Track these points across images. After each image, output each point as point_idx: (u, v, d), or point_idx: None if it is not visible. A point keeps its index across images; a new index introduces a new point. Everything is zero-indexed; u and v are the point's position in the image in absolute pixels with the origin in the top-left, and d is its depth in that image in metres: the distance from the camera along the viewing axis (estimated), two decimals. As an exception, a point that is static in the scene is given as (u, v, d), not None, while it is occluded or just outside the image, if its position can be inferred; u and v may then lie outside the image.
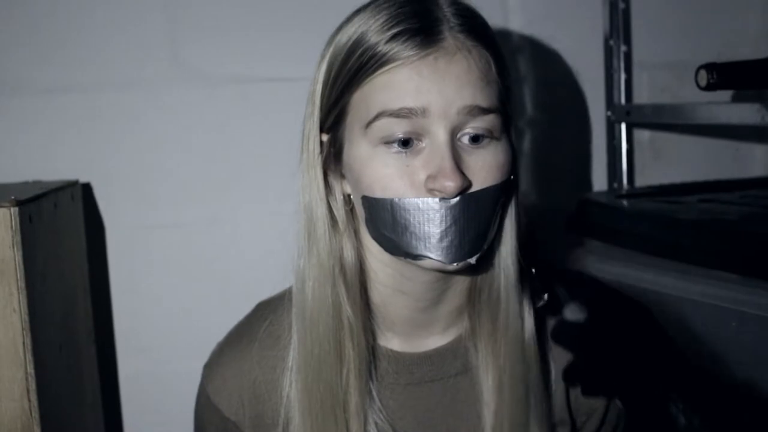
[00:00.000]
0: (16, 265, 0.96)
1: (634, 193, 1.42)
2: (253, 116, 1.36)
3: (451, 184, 0.74)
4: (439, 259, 0.77)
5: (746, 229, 1.08)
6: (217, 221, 1.36)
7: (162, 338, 1.36)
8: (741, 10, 1.56)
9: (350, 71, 0.79)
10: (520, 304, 0.85)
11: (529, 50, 1.45)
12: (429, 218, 0.76)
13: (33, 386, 0.97)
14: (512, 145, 0.82)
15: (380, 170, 0.78)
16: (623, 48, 1.47)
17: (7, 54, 1.28)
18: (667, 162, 1.55)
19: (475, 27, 0.79)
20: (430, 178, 0.76)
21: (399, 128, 0.76)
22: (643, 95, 1.52)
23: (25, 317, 0.96)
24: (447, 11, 0.79)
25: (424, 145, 0.77)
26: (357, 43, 0.78)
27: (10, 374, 0.97)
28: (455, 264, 0.78)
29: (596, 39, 1.49)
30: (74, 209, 1.25)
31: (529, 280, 0.86)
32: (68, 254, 1.20)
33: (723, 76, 1.11)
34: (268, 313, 0.92)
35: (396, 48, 0.76)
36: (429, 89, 0.75)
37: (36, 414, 0.98)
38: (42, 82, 1.30)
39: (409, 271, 0.84)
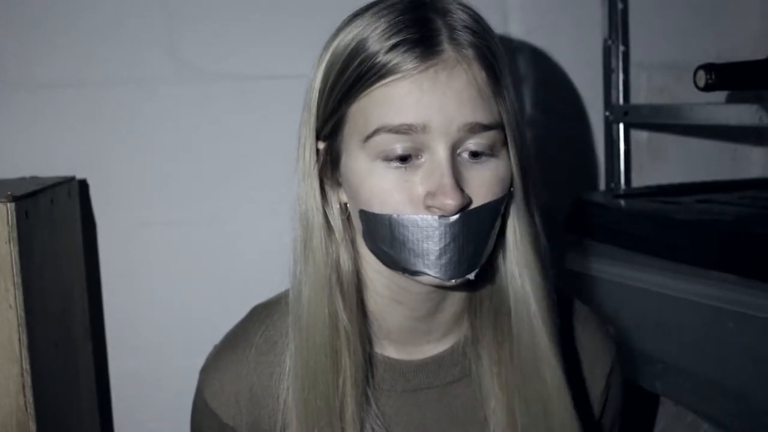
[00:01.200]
0: (12, 260, 0.96)
1: (632, 194, 1.42)
2: (250, 114, 1.35)
3: (451, 202, 0.73)
4: (438, 276, 0.76)
5: (743, 230, 1.08)
6: (215, 218, 1.36)
7: (157, 336, 1.36)
8: (739, 11, 1.56)
9: (348, 81, 0.77)
10: (531, 313, 0.84)
11: (528, 50, 1.45)
12: (428, 235, 0.75)
13: (29, 383, 0.97)
14: (525, 155, 0.80)
15: (379, 185, 0.76)
16: (621, 48, 1.47)
17: (4, 50, 1.28)
18: (664, 162, 1.55)
19: (475, 37, 0.77)
20: (430, 194, 0.75)
21: (398, 144, 0.75)
22: (641, 95, 1.52)
23: (21, 313, 0.96)
24: (448, 19, 0.77)
25: (423, 160, 0.76)
26: (355, 50, 0.76)
27: (6, 370, 0.97)
28: (454, 281, 0.77)
29: (594, 39, 1.49)
30: (71, 205, 1.25)
31: (542, 290, 0.85)
32: (65, 251, 1.20)
33: (721, 76, 1.10)
34: (265, 317, 0.91)
35: (396, 59, 0.74)
36: (429, 105, 0.74)
37: (32, 410, 0.98)
38: (39, 79, 1.30)
39: (406, 282, 0.83)
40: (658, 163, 1.55)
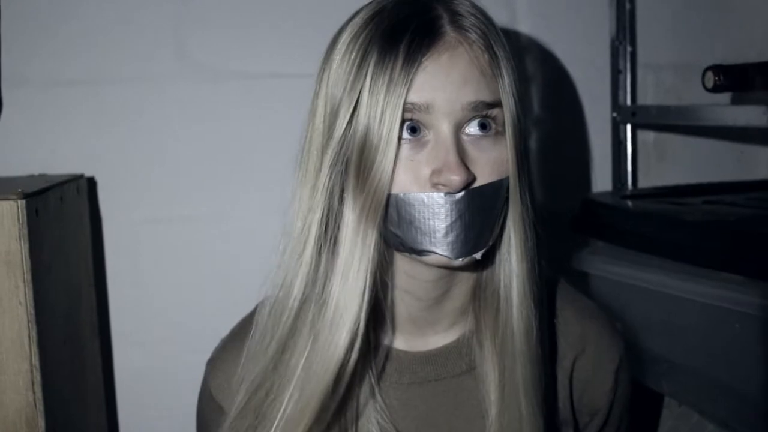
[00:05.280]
0: (22, 257, 0.96)
1: (639, 194, 1.42)
2: (257, 112, 1.36)
3: (456, 178, 0.74)
4: (445, 254, 0.77)
5: (751, 231, 1.08)
6: (222, 216, 1.37)
7: (163, 333, 1.36)
8: (747, 12, 1.56)
9: (352, 74, 0.78)
10: (525, 302, 0.84)
11: (535, 50, 1.45)
12: (434, 213, 0.76)
13: (38, 379, 0.98)
14: (522, 140, 0.81)
15: None
16: (629, 49, 1.47)
17: (13, 48, 1.29)
18: (671, 163, 1.55)
19: (476, 21, 0.79)
20: (435, 172, 0.76)
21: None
22: (648, 96, 1.52)
23: (31, 310, 0.97)
24: (450, 5, 0.79)
25: (428, 138, 0.77)
26: (361, 44, 0.78)
27: (16, 366, 0.97)
28: (461, 259, 0.77)
29: (602, 39, 1.49)
30: (80, 203, 1.25)
31: (536, 280, 0.85)
32: (73, 248, 1.20)
33: (729, 78, 1.10)
34: None
35: None
36: (433, 86, 0.75)
37: (41, 406, 0.98)
38: (48, 76, 1.30)
39: (414, 270, 0.83)
40: (665, 163, 1.55)
